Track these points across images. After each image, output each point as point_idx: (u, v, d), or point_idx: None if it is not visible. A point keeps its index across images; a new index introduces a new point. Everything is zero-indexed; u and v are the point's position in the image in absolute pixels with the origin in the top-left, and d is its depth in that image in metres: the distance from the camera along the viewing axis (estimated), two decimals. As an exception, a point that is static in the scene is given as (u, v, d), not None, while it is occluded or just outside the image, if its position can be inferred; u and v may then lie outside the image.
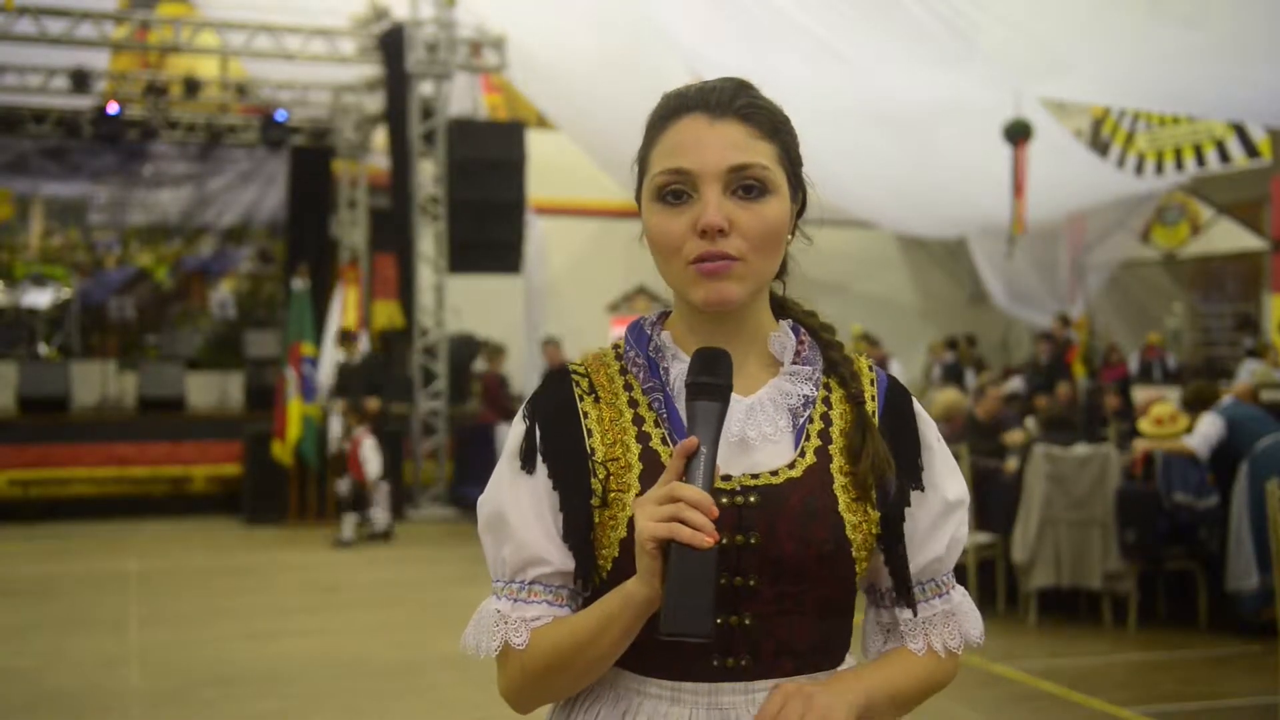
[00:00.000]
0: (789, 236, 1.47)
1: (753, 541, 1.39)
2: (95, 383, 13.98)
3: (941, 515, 1.51)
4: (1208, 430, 6.84)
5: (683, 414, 1.41)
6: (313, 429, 11.07)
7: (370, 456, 10.14)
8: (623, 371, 1.50)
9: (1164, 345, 14.33)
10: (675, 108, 1.45)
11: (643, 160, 1.48)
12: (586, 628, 1.38)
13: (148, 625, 7.28)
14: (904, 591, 1.49)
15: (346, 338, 11.16)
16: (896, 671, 1.48)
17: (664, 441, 1.44)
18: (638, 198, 1.48)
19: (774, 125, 1.45)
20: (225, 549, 10.08)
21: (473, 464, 11.75)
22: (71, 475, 11.64)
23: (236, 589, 8.46)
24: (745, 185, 1.40)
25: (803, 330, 1.54)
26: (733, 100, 1.43)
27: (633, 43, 11.20)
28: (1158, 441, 7.01)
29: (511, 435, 1.49)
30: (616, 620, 1.35)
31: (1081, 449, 7.11)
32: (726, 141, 1.41)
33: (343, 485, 10.29)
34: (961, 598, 1.55)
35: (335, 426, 10.56)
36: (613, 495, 1.42)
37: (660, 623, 1.26)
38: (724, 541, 1.36)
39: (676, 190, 1.41)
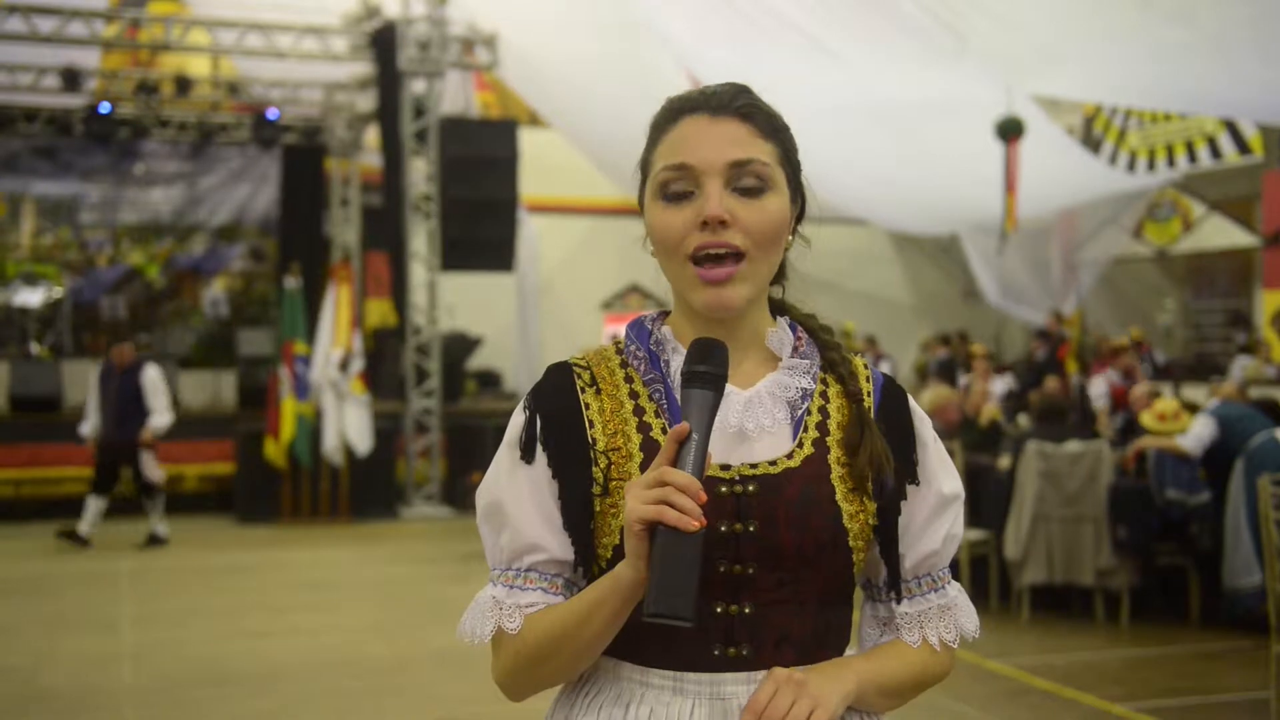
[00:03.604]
0: (788, 238, 1.50)
1: (751, 530, 1.41)
2: (87, 382, 13.94)
3: (936, 510, 1.53)
4: (1200, 431, 6.88)
5: None
6: (306, 428, 11.06)
7: None
8: (623, 365, 1.53)
9: (1146, 339, 14.33)
10: (677, 110, 1.48)
11: (645, 163, 1.50)
12: (577, 611, 1.39)
13: (140, 624, 7.26)
14: (895, 583, 1.52)
15: None
16: (887, 661, 1.50)
17: (664, 431, 1.46)
18: (640, 200, 1.51)
19: (773, 127, 1.47)
20: (218, 548, 10.07)
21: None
22: (63, 474, 11.58)
23: (229, 588, 8.45)
24: (746, 181, 1.43)
25: (800, 328, 1.56)
26: (733, 101, 1.46)
27: (625, 40, 11.20)
28: (1157, 438, 7.04)
29: (511, 426, 1.50)
30: (605, 603, 1.36)
31: (1074, 445, 7.12)
32: (727, 138, 1.43)
33: None
34: (957, 593, 1.57)
35: None
36: (614, 484, 1.44)
37: (644, 604, 1.27)
38: (723, 529, 1.39)
39: (679, 188, 1.43)
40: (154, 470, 9.92)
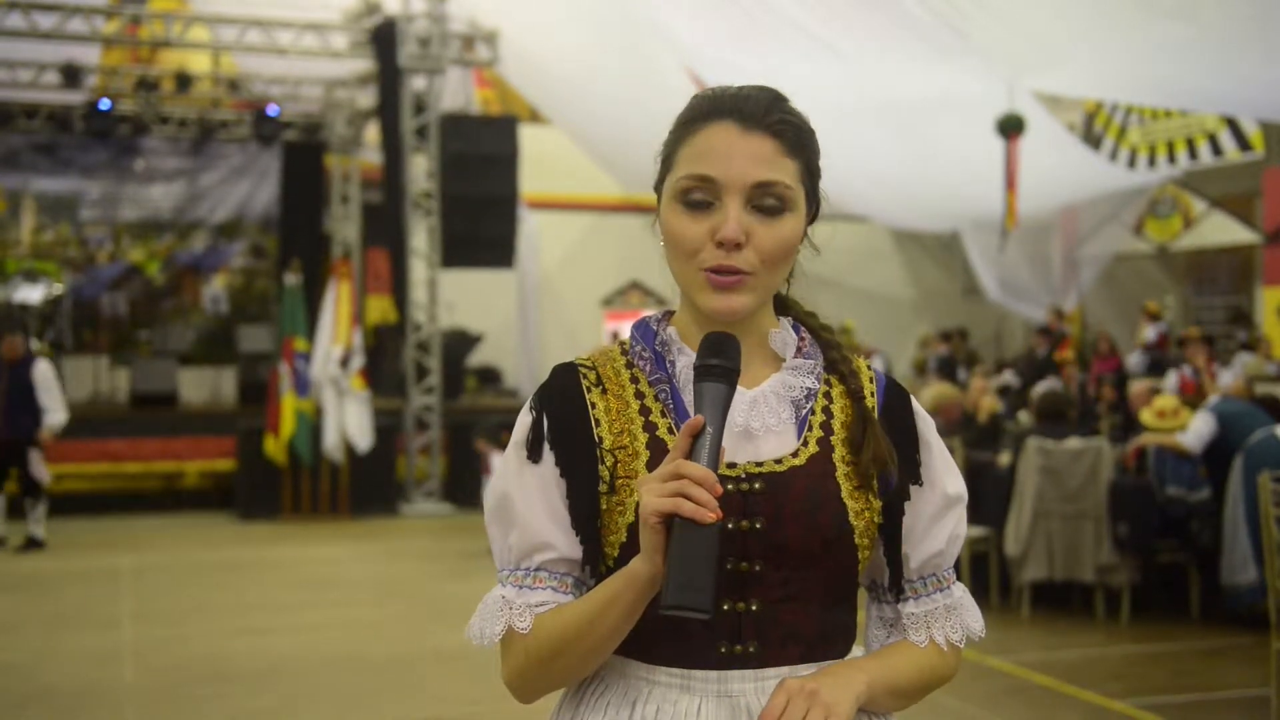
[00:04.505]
0: (799, 247, 1.50)
1: (758, 527, 1.42)
2: (87, 378, 13.97)
3: (940, 510, 1.54)
4: (1200, 428, 6.88)
5: (688, 404, 1.43)
6: (307, 424, 11.06)
7: None
8: (629, 365, 1.53)
9: (1160, 315, 14.28)
10: (708, 111, 1.46)
11: (668, 156, 1.49)
12: (590, 609, 1.39)
13: (141, 621, 7.27)
14: (899, 583, 1.53)
15: None
16: (896, 661, 1.51)
17: (670, 430, 1.46)
18: (657, 189, 1.51)
19: (801, 141, 1.47)
20: (218, 545, 10.07)
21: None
22: (63, 471, 11.56)
23: (230, 585, 8.45)
24: (767, 202, 1.43)
25: (803, 329, 1.57)
26: (766, 113, 1.44)
27: (626, 37, 11.19)
28: (1157, 435, 7.05)
29: (518, 426, 1.51)
30: (619, 599, 1.36)
31: (1074, 442, 7.12)
32: (755, 155, 1.42)
33: None
34: (962, 593, 1.58)
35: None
36: (620, 482, 1.45)
37: (661, 598, 1.27)
38: (730, 526, 1.40)
39: (699, 197, 1.43)
40: (41, 470, 9.63)
